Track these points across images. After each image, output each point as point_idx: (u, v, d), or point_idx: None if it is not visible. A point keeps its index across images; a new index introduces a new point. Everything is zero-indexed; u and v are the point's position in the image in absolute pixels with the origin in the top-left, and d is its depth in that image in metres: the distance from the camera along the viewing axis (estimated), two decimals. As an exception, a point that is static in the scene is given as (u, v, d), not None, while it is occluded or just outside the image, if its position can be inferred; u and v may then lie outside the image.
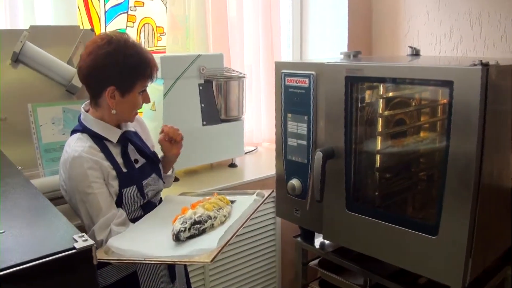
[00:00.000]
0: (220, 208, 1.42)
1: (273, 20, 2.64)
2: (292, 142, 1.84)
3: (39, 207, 1.00)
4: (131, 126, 1.57)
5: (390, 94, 1.75)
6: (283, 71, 1.82)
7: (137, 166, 1.52)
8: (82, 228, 1.55)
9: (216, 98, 2.25)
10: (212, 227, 1.35)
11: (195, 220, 1.33)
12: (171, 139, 1.68)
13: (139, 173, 1.52)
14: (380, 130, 1.73)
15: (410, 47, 2.07)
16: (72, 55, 1.91)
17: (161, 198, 1.65)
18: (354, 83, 1.60)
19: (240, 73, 2.33)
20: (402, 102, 1.80)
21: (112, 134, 1.48)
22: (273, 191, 1.60)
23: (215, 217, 1.37)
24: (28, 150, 1.74)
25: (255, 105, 2.66)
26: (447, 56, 2.44)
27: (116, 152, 1.48)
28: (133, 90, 1.45)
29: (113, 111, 1.45)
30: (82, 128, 1.45)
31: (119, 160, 1.47)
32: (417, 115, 1.90)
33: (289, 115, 1.83)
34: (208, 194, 1.66)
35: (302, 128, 1.78)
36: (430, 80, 1.43)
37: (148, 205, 1.54)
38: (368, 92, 1.68)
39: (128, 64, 1.41)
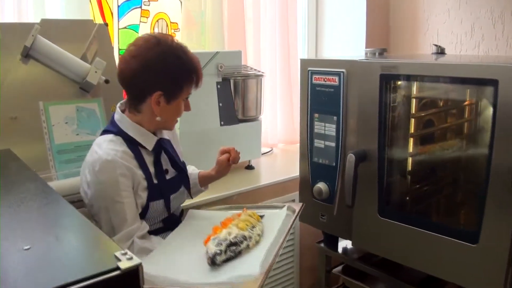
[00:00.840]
0: (253, 227, 1.32)
1: (290, 18, 2.55)
2: (319, 143, 1.74)
3: (65, 216, 0.89)
4: (165, 134, 1.48)
5: (422, 93, 1.65)
6: (309, 68, 1.72)
7: (167, 177, 1.43)
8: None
9: (234, 97, 2.15)
10: (247, 248, 1.25)
11: (230, 241, 1.22)
12: (234, 160, 1.59)
13: (169, 186, 1.42)
14: (412, 131, 1.63)
15: (435, 45, 1.98)
16: (86, 51, 1.81)
17: (182, 210, 1.55)
18: (389, 81, 1.50)
19: (258, 71, 2.23)
20: (430, 102, 1.71)
21: (149, 141, 1.38)
22: (303, 205, 1.51)
23: (250, 237, 1.27)
24: (40, 151, 1.63)
25: (271, 104, 2.56)
26: (477, 55, 2.35)
27: (149, 160, 1.38)
28: (180, 96, 1.36)
29: (158, 118, 1.36)
30: (116, 130, 1.35)
31: (151, 169, 1.38)
32: (445, 116, 1.81)
33: (316, 115, 1.73)
34: (234, 209, 1.57)
35: (331, 129, 1.69)
36: (473, 78, 1.34)
37: (169, 218, 1.44)
38: (399, 92, 1.59)
39: (178, 68, 1.32)
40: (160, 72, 1.30)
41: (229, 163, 1.60)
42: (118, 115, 1.38)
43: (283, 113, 2.61)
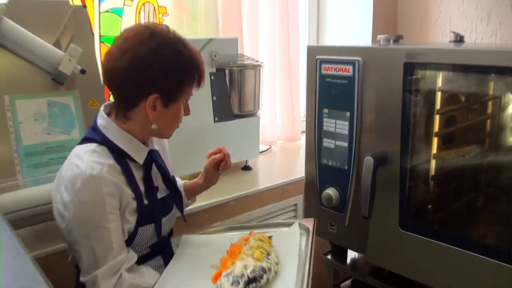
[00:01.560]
0: (268, 254, 1.10)
1: (290, 2, 2.31)
2: (328, 143, 1.51)
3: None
4: (155, 143, 1.26)
5: (448, 86, 1.43)
6: (318, 57, 1.49)
7: (158, 196, 1.21)
8: (58, 255, 1.22)
9: (229, 89, 1.91)
10: (267, 282, 1.03)
11: (248, 277, 1.00)
12: (223, 167, 1.38)
13: (161, 207, 1.20)
14: (437, 130, 1.41)
15: (454, 32, 1.76)
16: (60, 36, 1.56)
17: (171, 230, 1.31)
18: (415, 71, 1.28)
19: (256, 60, 2.00)
20: (451, 97, 1.49)
21: (139, 153, 1.15)
22: (315, 220, 1.29)
23: (269, 269, 1.05)
24: (4, 153, 1.39)
25: (269, 98, 2.33)
26: (494, 43, 2.14)
27: (138, 176, 1.15)
28: (179, 98, 1.14)
29: (154, 126, 1.12)
30: (101, 139, 1.11)
31: (141, 187, 1.15)
32: (467, 112, 1.59)
33: (326, 110, 1.50)
34: (234, 229, 1.36)
35: (343, 127, 1.46)
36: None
37: (158, 242, 1.22)
38: (424, 84, 1.37)
39: (178, 65, 1.10)
40: (157, 70, 1.07)
41: (219, 169, 1.38)
42: (103, 120, 1.14)
43: (282, 108, 2.39)
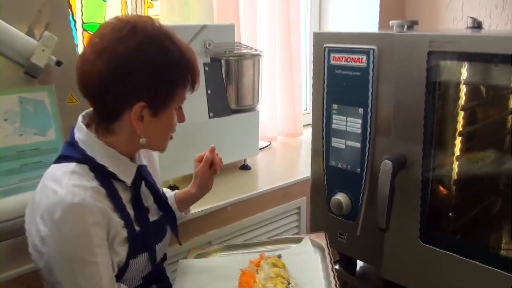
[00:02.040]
0: (288, 283, 0.95)
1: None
2: (338, 143, 1.34)
3: None
4: (143, 157, 1.08)
5: (473, 78, 1.26)
6: (327, 45, 1.31)
7: (150, 218, 1.04)
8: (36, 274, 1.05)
9: (225, 82, 1.74)
10: None
11: None
12: (215, 172, 1.22)
13: (154, 232, 1.03)
14: (461, 128, 1.24)
15: (471, 18, 1.59)
16: (32, 24, 1.38)
17: (165, 255, 1.14)
18: (440, 61, 1.11)
19: (255, 49, 1.82)
20: (473, 91, 1.32)
21: (126, 171, 0.98)
22: (326, 236, 1.13)
23: None
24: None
25: (269, 90, 2.15)
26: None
27: (125, 198, 0.97)
28: (170, 105, 0.95)
29: (142, 140, 0.95)
30: (81, 156, 0.93)
31: (131, 211, 0.97)
32: (488, 108, 1.41)
33: (335, 106, 1.33)
34: (235, 248, 1.21)
35: (355, 125, 1.29)
36: None
37: (151, 271, 1.04)
38: (447, 76, 1.19)
39: (166, 65, 0.91)
40: (141, 74, 0.89)
41: (212, 173, 1.22)
42: (81, 134, 0.95)
43: (283, 100, 2.21)
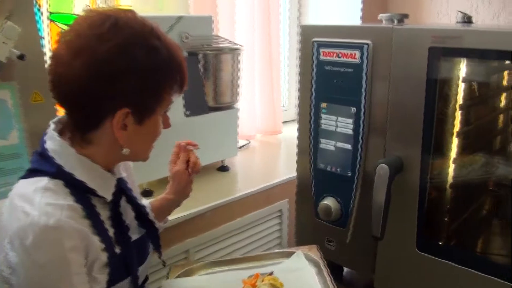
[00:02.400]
0: None
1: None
2: (327, 144, 1.25)
3: None
4: (122, 168, 0.96)
5: (472, 76, 1.18)
6: (315, 39, 1.22)
7: (132, 237, 0.92)
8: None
9: (203, 77, 1.62)
10: None
11: None
12: (194, 171, 1.10)
13: (136, 253, 0.91)
14: (459, 129, 1.17)
15: (461, 12, 1.52)
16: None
17: (146, 276, 1.02)
18: (442, 58, 1.03)
19: (234, 43, 1.71)
20: (468, 89, 1.25)
21: (106, 186, 0.86)
22: (319, 248, 1.04)
23: None
24: None
25: (247, 86, 2.04)
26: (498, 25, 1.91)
27: (104, 215, 0.85)
28: (157, 110, 0.83)
29: (125, 150, 0.83)
30: (54, 170, 0.80)
31: (111, 231, 0.85)
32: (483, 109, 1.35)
33: (324, 105, 1.24)
34: (220, 265, 1.10)
35: (346, 125, 1.20)
36: None
37: None
38: (447, 73, 1.12)
39: (154, 67, 0.79)
40: (126, 77, 0.77)
41: (190, 174, 1.10)
42: (54, 143, 0.83)
43: (262, 97, 2.11)
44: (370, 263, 1.23)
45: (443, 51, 1.00)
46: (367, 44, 1.12)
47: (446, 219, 1.22)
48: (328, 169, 1.26)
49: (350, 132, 1.19)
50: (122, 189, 0.90)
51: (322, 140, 1.26)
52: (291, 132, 2.24)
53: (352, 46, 1.14)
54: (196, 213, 1.42)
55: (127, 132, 0.81)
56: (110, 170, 0.88)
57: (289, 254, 1.07)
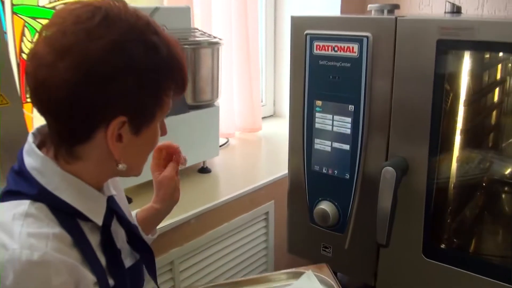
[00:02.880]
0: None
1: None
2: (322, 145, 1.17)
3: None
4: (110, 184, 0.83)
5: (476, 70, 1.12)
6: (308, 32, 1.12)
7: (126, 263, 0.80)
8: None
9: (181, 74, 1.50)
10: None
11: None
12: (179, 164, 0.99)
13: (132, 282, 0.80)
14: (462, 126, 1.10)
15: (449, 2, 1.47)
16: None
17: None
18: (451, 51, 0.95)
19: (213, 36, 1.59)
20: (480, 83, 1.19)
21: (96, 208, 0.74)
22: (329, 267, 0.95)
23: None
24: None
25: (226, 82, 1.93)
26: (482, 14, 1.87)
27: (94, 242, 0.73)
28: (157, 116, 0.72)
29: (122, 166, 0.72)
30: (37, 191, 0.68)
31: (102, 259, 0.73)
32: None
33: (319, 103, 1.15)
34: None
35: (343, 124, 1.12)
36: None
37: None
38: (458, 68, 1.05)
39: (154, 68, 0.68)
40: (122, 79, 0.66)
41: (177, 176, 0.99)
42: (35, 160, 0.70)
43: (241, 93, 2.01)
44: (371, 270, 1.16)
45: (453, 44, 0.93)
46: (366, 36, 1.03)
47: (452, 222, 1.16)
48: (324, 171, 1.18)
49: (348, 131, 1.11)
50: (112, 209, 0.78)
51: (317, 141, 1.17)
52: (271, 129, 2.15)
53: (350, 39, 1.06)
54: (180, 221, 1.31)
55: (122, 144, 0.69)
56: (99, 188, 0.77)
57: (297, 275, 0.97)
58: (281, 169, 1.66)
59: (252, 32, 1.97)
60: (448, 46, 0.93)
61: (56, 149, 0.71)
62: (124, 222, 0.83)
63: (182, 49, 0.74)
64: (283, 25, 2.22)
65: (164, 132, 0.78)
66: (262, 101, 2.27)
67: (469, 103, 1.08)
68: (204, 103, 1.60)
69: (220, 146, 1.89)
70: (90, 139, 0.68)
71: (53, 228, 0.66)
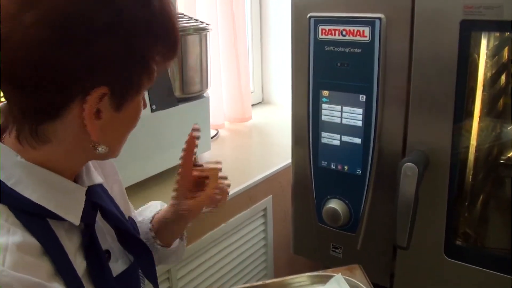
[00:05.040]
0: None
1: None
2: (330, 139, 1.07)
3: None
4: (91, 168, 0.69)
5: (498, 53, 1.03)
6: (312, 14, 1.02)
7: (114, 270, 0.67)
8: None
9: (168, 65, 1.38)
10: None
11: None
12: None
13: None
14: (479, 116, 1.02)
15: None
16: None
17: None
18: (476, 33, 0.86)
19: (200, 22, 1.47)
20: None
21: (71, 204, 0.61)
22: (362, 269, 0.86)
23: None
24: None
25: (213, 71, 1.82)
26: None
27: (72, 246, 0.61)
28: (141, 87, 0.59)
29: (101, 149, 0.59)
30: None
31: (80, 268, 0.61)
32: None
33: (326, 93, 1.05)
34: None
35: (354, 116, 1.02)
36: None
37: None
38: (483, 52, 0.95)
39: (142, 23, 0.55)
40: (104, 38, 0.52)
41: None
42: None
43: (229, 81, 1.89)
44: (385, 271, 1.08)
45: (478, 24, 0.84)
46: (379, 18, 0.93)
47: (477, 218, 1.08)
48: (333, 167, 1.09)
49: (360, 124, 1.02)
50: (95, 203, 0.65)
51: (324, 134, 1.08)
52: (260, 117, 2.04)
53: (361, 21, 0.95)
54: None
55: (101, 121, 0.57)
56: (75, 177, 0.64)
57: (323, 278, 0.88)
58: (277, 161, 1.57)
59: (238, 15, 1.85)
60: (473, 27, 0.84)
61: (18, 129, 0.57)
62: (111, 217, 0.69)
63: (172, 4, 0.60)
64: (269, 5, 2.10)
65: (144, 105, 0.64)
66: (253, 89, 2.16)
67: (487, 87, 0.99)
68: (193, 94, 1.48)
69: (211, 137, 1.78)
70: (61, 115, 0.54)
71: (14, 236, 0.53)
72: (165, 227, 0.84)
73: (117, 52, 0.53)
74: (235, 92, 1.91)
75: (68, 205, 0.60)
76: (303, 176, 1.15)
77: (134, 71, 0.57)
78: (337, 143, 1.06)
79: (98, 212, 0.67)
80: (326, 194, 1.11)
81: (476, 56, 0.95)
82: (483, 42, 0.94)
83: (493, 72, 1.02)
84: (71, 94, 0.53)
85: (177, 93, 1.44)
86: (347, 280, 0.85)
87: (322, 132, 1.08)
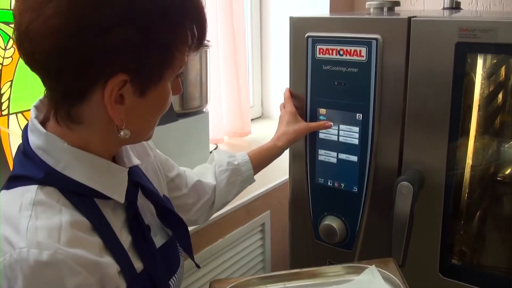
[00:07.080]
0: None
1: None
2: (327, 156, 1.08)
3: None
4: (130, 151, 0.74)
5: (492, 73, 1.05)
6: (310, 34, 1.04)
7: (156, 243, 0.72)
8: None
9: (168, 80, 1.40)
10: None
11: None
12: None
13: (164, 263, 0.71)
14: (475, 135, 1.03)
15: (447, -4, 1.41)
16: None
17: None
18: (471, 55, 0.88)
19: (200, 39, 1.49)
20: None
21: (116, 183, 0.66)
22: (395, 262, 0.86)
23: None
24: None
25: (213, 86, 1.84)
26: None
27: (117, 223, 0.65)
28: (165, 75, 0.60)
29: (124, 133, 0.61)
30: (44, 174, 0.59)
31: (126, 240, 0.65)
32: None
33: (323, 111, 1.06)
34: (270, 281, 0.88)
35: (351, 134, 1.03)
36: None
37: None
38: (478, 74, 0.97)
39: (162, 10, 0.57)
40: (122, 24, 0.55)
41: None
42: (39, 137, 0.61)
43: (229, 96, 1.91)
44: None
45: (474, 47, 0.85)
46: (375, 39, 0.95)
47: (472, 237, 1.09)
48: (329, 184, 1.10)
49: (356, 142, 1.03)
50: (136, 182, 0.69)
51: (321, 151, 1.09)
52: (260, 132, 2.05)
53: (357, 41, 0.97)
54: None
55: (124, 107, 0.59)
56: (116, 158, 0.68)
57: (358, 269, 0.87)
58: (275, 176, 1.58)
59: (239, 31, 1.87)
60: (468, 49, 0.86)
61: (55, 112, 0.61)
62: (151, 194, 0.73)
63: None
64: (269, 23, 2.12)
65: (178, 90, 0.67)
66: (253, 104, 2.18)
67: (482, 107, 1.01)
68: (193, 110, 1.50)
69: (210, 152, 1.80)
70: (86, 99, 0.58)
71: (65, 215, 0.57)
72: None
73: (132, 40, 0.55)
74: (234, 106, 1.92)
75: (113, 185, 0.64)
76: (300, 193, 1.15)
77: (153, 59, 0.58)
78: (334, 160, 1.07)
79: (140, 191, 0.71)
80: (322, 211, 1.12)
81: (473, 75, 0.97)
82: (479, 62, 0.96)
83: (490, 90, 1.04)
84: (91, 79, 0.57)
85: (177, 108, 1.45)
86: (380, 272, 0.84)
87: (319, 149, 1.09)
